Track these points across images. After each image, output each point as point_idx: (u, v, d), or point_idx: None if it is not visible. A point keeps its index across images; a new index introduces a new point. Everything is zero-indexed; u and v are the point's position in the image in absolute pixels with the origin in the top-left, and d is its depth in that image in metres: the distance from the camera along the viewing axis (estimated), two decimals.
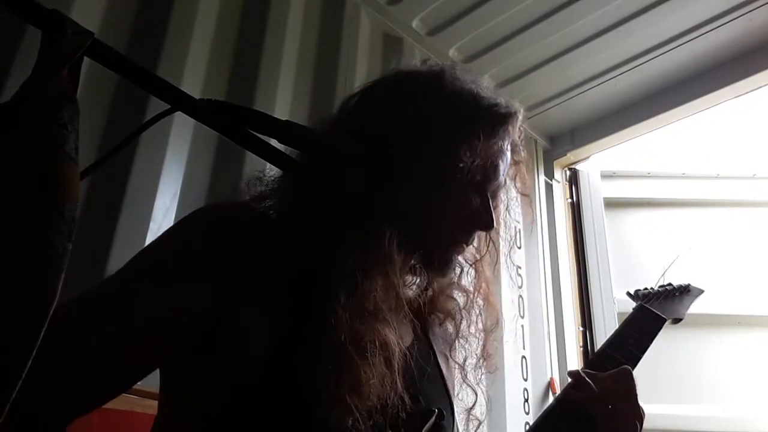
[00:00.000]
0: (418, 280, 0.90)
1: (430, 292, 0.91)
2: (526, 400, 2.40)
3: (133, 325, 0.62)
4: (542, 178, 2.91)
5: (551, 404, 0.93)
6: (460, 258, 0.90)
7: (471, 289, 0.93)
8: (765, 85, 2.45)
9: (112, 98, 1.53)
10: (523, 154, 0.92)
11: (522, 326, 2.49)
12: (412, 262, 0.81)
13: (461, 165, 0.76)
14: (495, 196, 0.85)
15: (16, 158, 0.43)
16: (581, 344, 2.69)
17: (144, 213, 1.49)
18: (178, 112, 0.57)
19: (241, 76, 1.84)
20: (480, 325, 0.93)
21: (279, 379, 0.64)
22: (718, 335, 2.64)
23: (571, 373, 0.95)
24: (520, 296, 2.55)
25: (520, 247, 2.62)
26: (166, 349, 0.65)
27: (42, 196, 0.43)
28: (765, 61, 2.38)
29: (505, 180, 0.88)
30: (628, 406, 0.86)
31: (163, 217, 1.51)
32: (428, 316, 0.91)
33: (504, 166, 0.84)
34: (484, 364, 0.93)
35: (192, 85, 1.66)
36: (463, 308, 0.93)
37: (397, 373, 0.68)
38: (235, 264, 0.68)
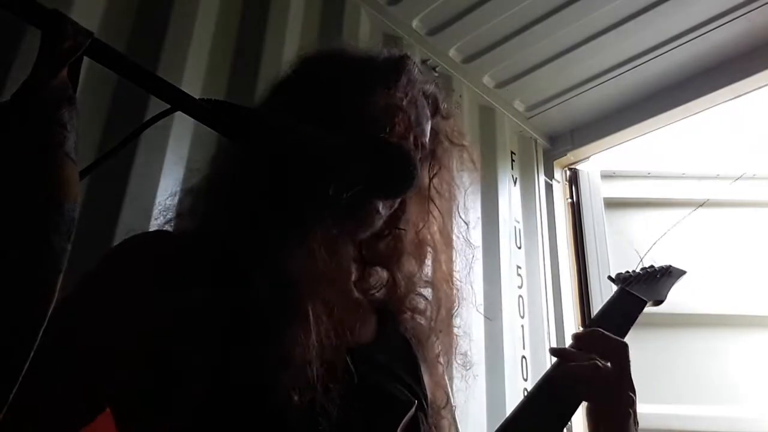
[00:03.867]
0: (381, 280, 0.92)
1: (396, 291, 0.93)
2: None
3: (70, 376, 0.63)
4: (542, 178, 2.90)
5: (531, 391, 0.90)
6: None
7: (432, 273, 0.94)
8: (765, 85, 2.44)
9: (112, 98, 1.53)
10: (445, 106, 0.95)
11: (522, 326, 2.48)
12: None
13: (375, 119, 0.80)
14: (416, 145, 0.87)
15: (16, 158, 0.43)
16: None
17: (144, 213, 1.49)
18: (178, 112, 0.57)
19: (241, 76, 1.83)
20: (447, 313, 0.94)
21: (228, 392, 0.65)
22: (717, 335, 2.64)
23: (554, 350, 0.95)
24: (520, 296, 2.54)
25: (520, 247, 2.62)
26: (109, 389, 0.66)
27: (41, 196, 0.43)
28: (765, 61, 2.37)
29: (437, 135, 0.92)
30: (623, 384, 0.85)
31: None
32: (400, 315, 0.93)
33: (416, 112, 0.86)
34: (458, 357, 0.95)
35: (192, 85, 1.66)
36: (431, 299, 0.94)
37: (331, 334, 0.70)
38: (163, 292, 0.68)
